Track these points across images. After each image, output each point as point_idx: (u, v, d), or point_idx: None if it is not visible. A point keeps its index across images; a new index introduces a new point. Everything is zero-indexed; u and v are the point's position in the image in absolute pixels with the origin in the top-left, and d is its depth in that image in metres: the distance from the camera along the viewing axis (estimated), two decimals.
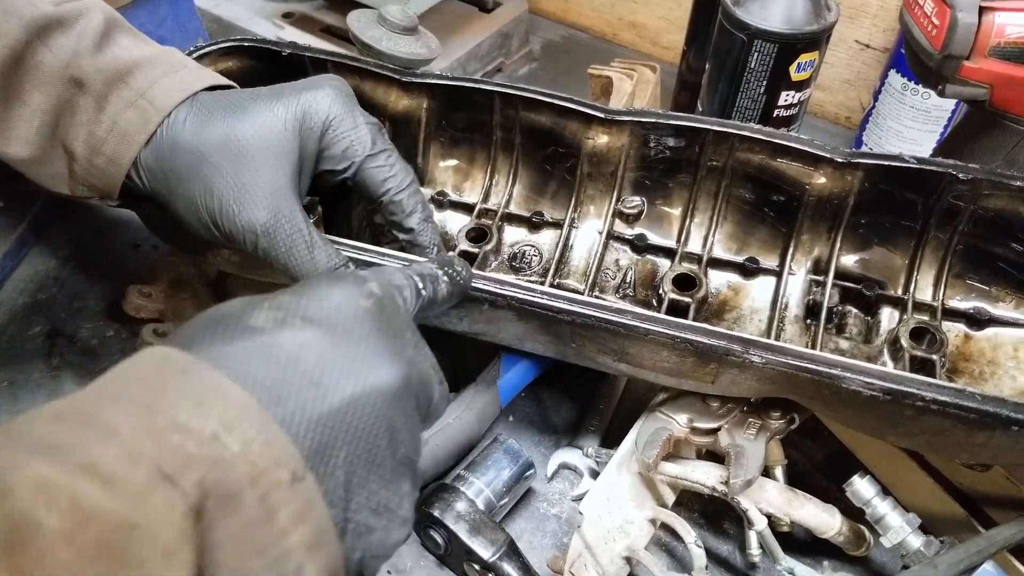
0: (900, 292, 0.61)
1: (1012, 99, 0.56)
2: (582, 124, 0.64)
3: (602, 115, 0.63)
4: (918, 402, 0.45)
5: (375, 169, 0.55)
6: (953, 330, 0.59)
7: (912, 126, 0.81)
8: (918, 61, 0.56)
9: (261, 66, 0.69)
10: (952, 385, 0.45)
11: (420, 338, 0.40)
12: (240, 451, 0.28)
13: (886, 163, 0.58)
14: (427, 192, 0.71)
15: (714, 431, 0.55)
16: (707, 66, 0.76)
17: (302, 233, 0.51)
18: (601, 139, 0.64)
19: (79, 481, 0.25)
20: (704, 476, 0.53)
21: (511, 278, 0.54)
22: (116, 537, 0.25)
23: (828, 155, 0.58)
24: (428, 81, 0.66)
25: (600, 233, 0.66)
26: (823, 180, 0.60)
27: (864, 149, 0.86)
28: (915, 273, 0.61)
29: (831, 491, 0.59)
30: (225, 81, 0.56)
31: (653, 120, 0.62)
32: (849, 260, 0.62)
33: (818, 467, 0.61)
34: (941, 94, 0.55)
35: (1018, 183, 0.55)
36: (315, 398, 0.32)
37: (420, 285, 0.43)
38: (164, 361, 0.31)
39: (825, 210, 0.61)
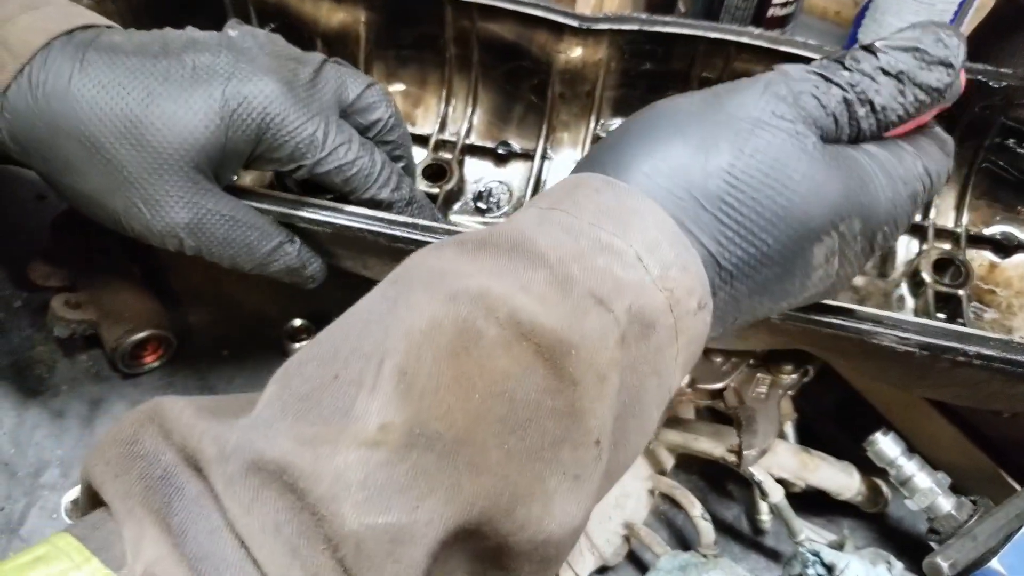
0: (919, 218, 0.54)
1: None
2: (552, 36, 0.54)
3: (576, 24, 0.53)
4: (959, 357, 0.39)
5: (333, 170, 0.44)
6: (977, 259, 0.53)
7: (914, 19, 0.72)
8: None
9: None
10: (999, 336, 0.39)
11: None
12: (659, 275, 0.28)
13: None
14: None
15: (720, 391, 0.48)
16: None
17: (236, 221, 0.43)
18: (575, 52, 0.55)
19: (516, 296, 0.26)
20: (711, 445, 0.47)
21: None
22: (553, 354, 0.26)
23: None
24: None
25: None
26: None
27: None
28: (934, 195, 0.54)
29: (844, 442, 0.54)
30: (103, 20, 0.44)
31: (637, 28, 0.52)
32: None
33: (829, 415, 0.55)
34: None
35: None
36: (750, 239, 0.30)
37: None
38: (576, 183, 0.31)
39: None
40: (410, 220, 0.45)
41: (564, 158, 0.58)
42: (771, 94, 0.32)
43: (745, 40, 0.51)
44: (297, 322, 0.59)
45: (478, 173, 0.60)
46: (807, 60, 0.49)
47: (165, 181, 0.41)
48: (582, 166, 0.33)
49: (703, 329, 0.30)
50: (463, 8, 0.55)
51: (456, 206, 0.58)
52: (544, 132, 0.58)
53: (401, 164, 0.49)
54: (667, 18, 0.52)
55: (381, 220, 0.45)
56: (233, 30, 0.46)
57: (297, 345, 0.57)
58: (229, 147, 0.42)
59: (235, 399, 0.35)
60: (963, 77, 0.34)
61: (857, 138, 0.33)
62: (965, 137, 0.52)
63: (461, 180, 0.58)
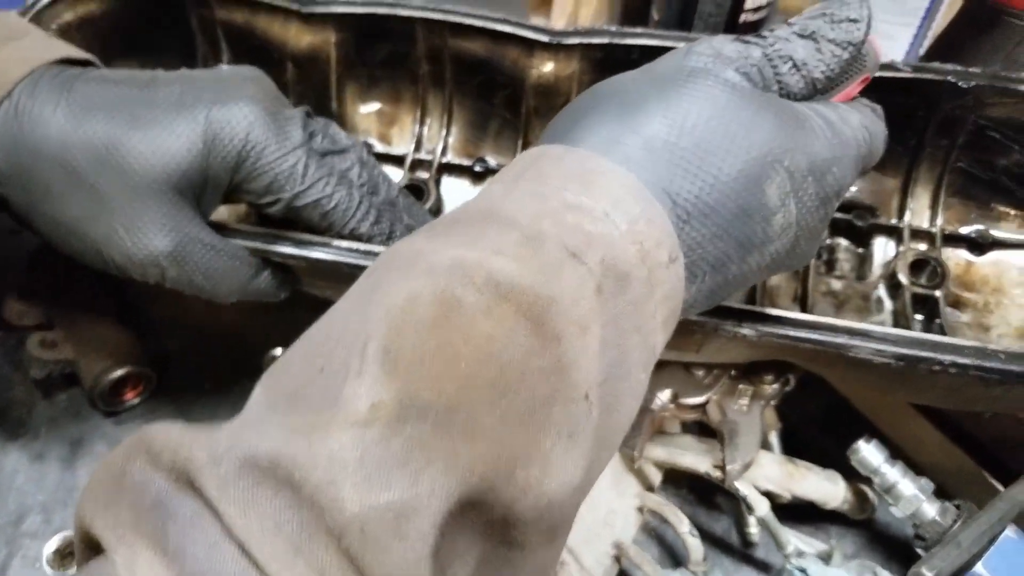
0: (895, 219, 0.54)
1: None
2: (523, 51, 0.54)
3: (546, 39, 0.52)
4: (935, 366, 0.39)
5: (310, 206, 0.44)
6: (953, 257, 0.53)
7: (886, 19, 0.72)
8: None
9: (129, 7, 0.57)
10: (972, 344, 0.39)
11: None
12: (627, 229, 0.29)
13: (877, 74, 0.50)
14: None
15: (702, 405, 0.48)
16: None
17: (217, 250, 0.43)
18: (547, 67, 0.54)
19: (491, 259, 0.27)
20: (695, 461, 0.47)
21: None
22: (533, 311, 0.26)
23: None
24: (333, 11, 0.55)
25: None
26: None
27: None
28: (909, 196, 0.54)
29: (830, 448, 0.54)
30: (83, 54, 0.44)
31: (607, 41, 0.52)
32: None
33: (814, 421, 0.56)
34: None
35: None
36: (699, 174, 0.31)
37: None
38: (538, 154, 0.32)
39: None
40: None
41: None
42: (694, 51, 0.34)
43: None
44: (278, 351, 0.58)
45: (456, 192, 0.59)
46: None
47: (147, 206, 0.41)
48: (544, 138, 0.34)
49: (678, 283, 0.31)
50: (434, 26, 0.55)
51: None
52: (520, 147, 0.57)
53: (379, 198, 0.48)
54: (638, 30, 0.52)
55: (358, 252, 0.45)
56: (224, 67, 0.46)
57: None
58: (210, 174, 0.42)
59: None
60: (877, 46, 0.36)
61: (787, 95, 0.35)
62: (937, 136, 0.52)
63: (439, 199, 0.58)
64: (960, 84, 0.48)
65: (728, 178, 0.31)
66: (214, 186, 0.43)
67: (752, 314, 0.41)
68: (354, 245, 0.45)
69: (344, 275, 0.45)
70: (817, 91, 0.35)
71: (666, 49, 0.51)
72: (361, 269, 0.44)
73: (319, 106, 0.60)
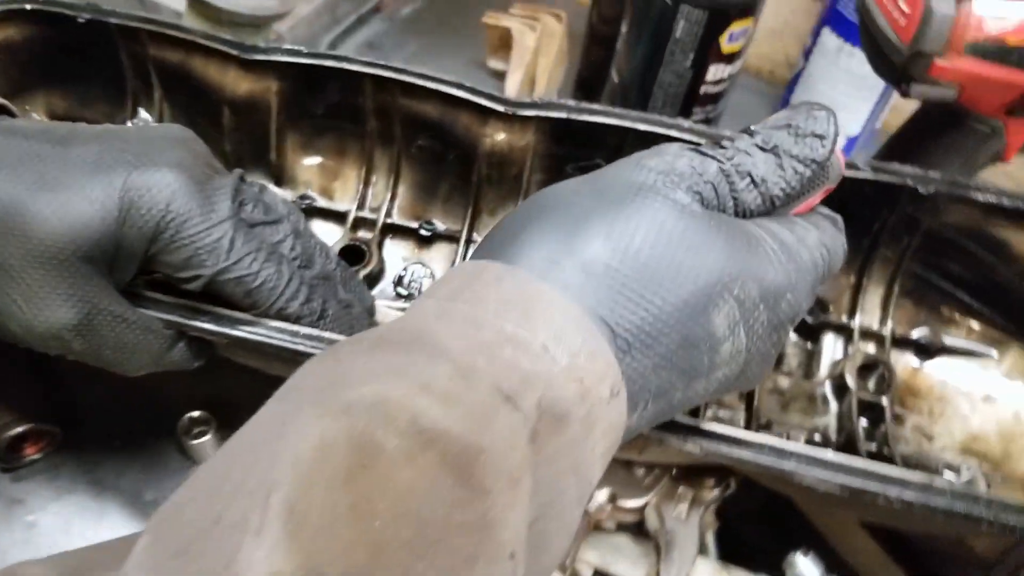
0: (845, 317, 0.53)
1: (981, 99, 0.47)
2: (477, 119, 0.51)
3: (501, 108, 0.50)
4: (880, 500, 0.38)
5: (233, 282, 0.40)
6: (901, 361, 0.53)
7: (847, 92, 0.72)
8: (878, 54, 0.46)
9: (53, 35, 0.52)
10: (920, 480, 0.38)
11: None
12: (567, 364, 0.27)
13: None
14: (287, 195, 0.57)
15: (640, 508, 0.47)
16: (624, 26, 0.64)
17: (129, 322, 0.40)
18: (500, 136, 0.52)
19: (417, 398, 0.24)
20: (630, 569, 0.45)
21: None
22: (460, 461, 0.24)
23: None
24: (275, 59, 0.51)
25: None
26: None
27: None
28: (861, 294, 0.53)
29: (768, 545, 0.52)
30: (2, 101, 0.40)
31: (564, 115, 0.50)
32: None
33: (753, 517, 0.54)
34: (905, 94, 0.46)
35: (984, 197, 0.47)
36: (641, 302, 0.29)
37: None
38: (476, 272, 0.29)
39: None
40: (316, 333, 0.42)
41: None
42: (644, 165, 0.32)
43: (674, 133, 0.49)
44: (195, 414, 0.54)
45: (399, 254, 0.56)
46: None
47: (50, 276, 0.37)
48: (478, 253, 0.32)
49: (619, 417, 0.29)
50: (383, 84, 0.51)
51: (374, 290, 0.55)
52: (469, 214, 0.55)
53: (313, 272, 0.45)
54: (595, 106, 0.50)
55: (286, 333, 0.41)
56: (149, 116, 0.42)
57: (195, 442, 0.53)
58: (124, 243, 0.38)
59: (104, 549, 0.32)
60: (841, 157, 0.35)
61: (743, 213, 0.33)
62: (892, 238, 0.51)
63: (381, 262, 0.55)
64: (920, 189, 0.48)
65: (672, 308, 0.29)
66: (128, 256, 0.39)
67: (698, 430, 0.39)
68: (282, 326, 0.42)
69: (269, 354, 0.42)
70: (775, 207, 0.34)
71: (625, 131, 0.49)
72: (287, 351, 0.42)
73: (257, 154, 0.56)
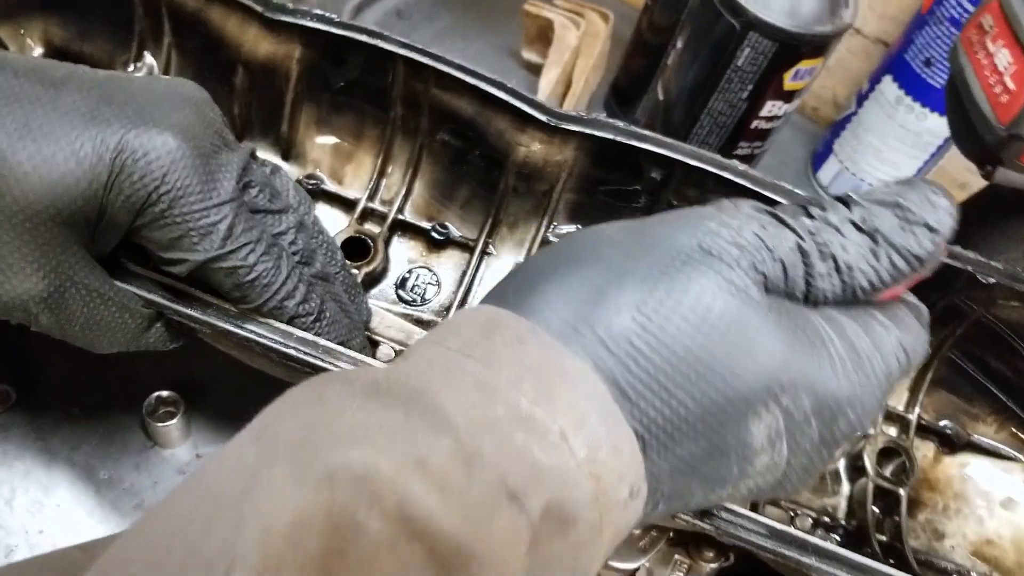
0: None
1: None
2: (514, 124, 0.47)
3: (543, 118, 0.45)
4: None
5: (223, 272, 0.36)
6: (922, 448, 0.50)
7: (896, 147, 0.68)
8: (966, 127, 0.42)
9: None
10: None
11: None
12: (585, 458, 0.23)
13: None
14: (294, 172, 0.52)
15: (632, 572, 0.43)
16: (679, 41, 0.59)
17: (104, 298, 0.36)
18: (536, 147, 0.48)
19: (409, 478, 0.21)
20: None
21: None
22: (449, 563, 0.21)
23: None
24: (302, 23, 0.46)
25: None
26: None
27: (837, 163, 0.73)
28: None
29: None
30: None
31: (611, 136, 0.45)
32: None
33: None
34: (987, 177, 0.42)
35: None
36: (665, 397, 0.25)
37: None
38: (493, 324, 0.25)
39: None
40: (310, 338, 0.38)
41: (506, 256, 0.51)
42: (703, 226, 0.27)
43: (726, 175, 0.45)
44: (164, 394, 0.50)
45: (406, 255, 0.52)
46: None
47: (22, 238, 0.32)
48: (497, 296, 0.28)
49: (632, 519, 0.26)
50: (417, 69, 0.47)
51: (374, 291, 0.51)
52: (488, 225, 0.50)
53: (313, 269, 0.41)
54: (646, 132, 0.45)
55: (277, 333, 0.38)
56: (154, 62, 0.38)
57: (160, 425, 0.49)
58: (110, 211, 0.33)
59: (44, 563, 0.28)
60: (944, 247, 0.29)
61: (815, 300, 0.28)
62: (938, 322, 0.48)
63: (385, 260, 0.51)
64: (980, 277, 0.44)
65: (702, 411, 0.25)
66: (111, 225, 0.34)
67: (710, 513, 0.36)
68: (276, 325, 0.38)
69: (255, 351, 0.38)
70: (854, 299, 0.29)
71: (672, 163, 0.45)
72: (277, 353, 0.37)
73: (267, 123, 0.51)
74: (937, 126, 0.65)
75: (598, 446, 0.23)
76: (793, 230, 0.27)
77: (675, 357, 0.25)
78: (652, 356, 0.25)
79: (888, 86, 0.67)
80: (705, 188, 0.46)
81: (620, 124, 0.46)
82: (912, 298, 0.32)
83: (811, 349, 0.27)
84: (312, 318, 0.39)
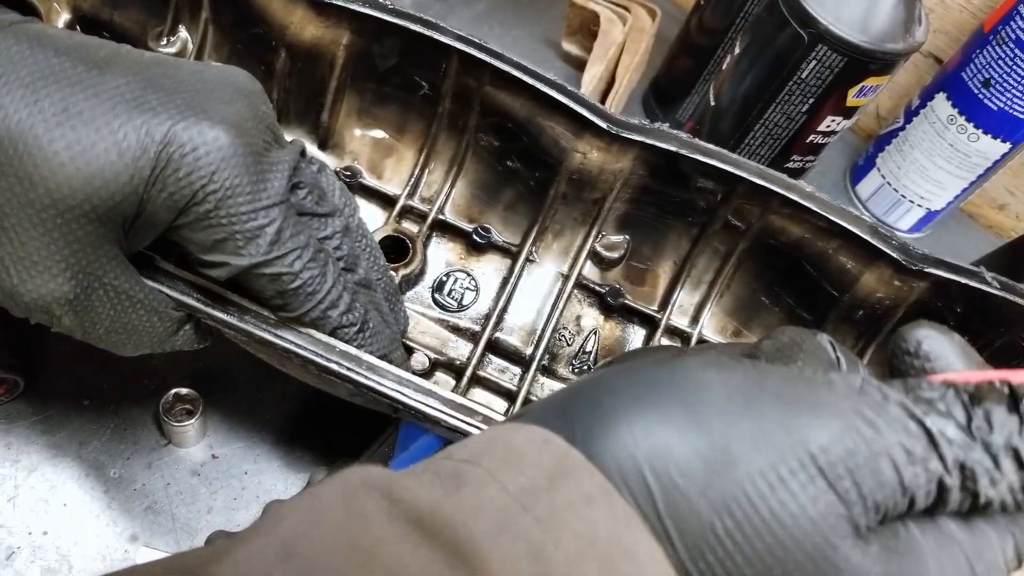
0: None
1: None
2: (571, 129, 0.44)
3: (603, 125, 0.43)
4: None
5: (266, 279, 0.33)
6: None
7: (943, 166, 0.66)
8: None
9: None
10: None
11: None
12: None
13: (963, 281, 0.43)
14: (331, 162, 0.50)
15: None
16: (737, 47, 0.56)
17: (133, 301, 0.33)
18: (593, 155, 0.45)
19: None
20: None
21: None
22: None
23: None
24: (352, 7, 0.43)
25: (564, 277, 0.48)
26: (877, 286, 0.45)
27: (879, 178, 0.71)
28: None
29: None
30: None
31: (674, 149, 0.43)
32: None
33: None
34: None
35: None
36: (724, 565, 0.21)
37: None
38: (562, 472, 0.21)
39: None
40: (353, 352, 0.35)
41: (549, 265, 0.49)
42: (848, 423, 0.21)
43: (793, 196, 0.43)
44: (183, 391, 0.47)
45: (444, 257, 0.49)
46: (864, 242, 0.42)
47: (51, 236, 0.30)
48: (562, 407, 0.24)
49: None
50: (472, 65, 0.44)
51: (410, 293, 0.48)
52: (534, 233, 0.48)
53: (357, 276, 0.38)
54: (710, 146, 0.43)
55: (319, 345, 0.35)
56: (188, 37, 0.35)
57: (176, 425, 0.46)
58: (149, 208, 0.31)
59: None
60: None
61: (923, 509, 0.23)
62: (993, 359, 0.46)
63: (424, 262, 0.48)
64: None
65: None
66: (149, 223, 0.32)
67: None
68: (318, 337, 0.36)
69: (295, 361, 0.36)
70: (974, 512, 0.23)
71: (735, 180, 0.42)
72: (316, 365, 0.35)
73: (305, 110, 0.48)
74: (988, 148, 0.63)
75: None
76: (942, 459, 0.22)
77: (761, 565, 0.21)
78: (736, 555, 0.21)
79: (941, 104, 0.64)
80: (768, 208, 0.44)
81: (684, 136, 0.43)
82: None
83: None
84: (355, 329, 0.37)
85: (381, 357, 0.37)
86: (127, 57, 0.32)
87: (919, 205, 0.70)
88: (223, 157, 0.30)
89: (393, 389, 0.35)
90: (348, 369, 0.35)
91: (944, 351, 0.24)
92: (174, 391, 0.47)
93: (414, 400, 0.35)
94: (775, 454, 0.21)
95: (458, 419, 0.35)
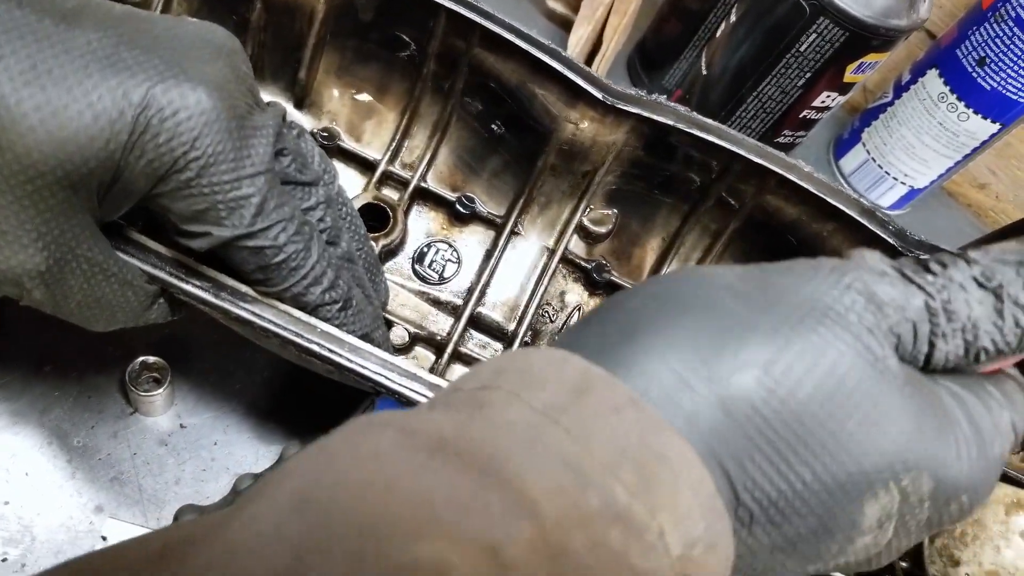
0: None
1: None
2: (564, 97, 0.42)
3: (598, 94, 0.41)
4: None
5: (247, 252, 0.31)
6: None
7: (930, 145, 0.65)
8: None
9: None
10: None
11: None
12: (680, 556, 0.20)
13: None
14: (308, 123, 0.47)
15: None
16: (733, 14, 0.54)
17: (107, 274, 0.31)
18: (585, 124, 0.43)
19: (481, 565, 0.17)
20: None
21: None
22: None
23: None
24: None
25: (550, 251, 0.47)
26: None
27: (864, 152, 0.70)
28: None
29: None
30: None
31: (672, 123, 0.41)
32: None
33: None
34: None
35: None
36: (785, 471, 0.22)
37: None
38: (585, 386, 0.21)
39: None
40: (336, 333, 0.34)
41: (534, 238, 0.47)
42: (841, 282, 0.24)
43: (792, 177, 0.42)
44: (150, 359, 0.45)
45: (425, 227, 0.48)
46: (860, 225, 0.41)
47: (21, 204, 0.27)
48: (581, 342, 0.24)
49: None
50: (461, 24, 0.41)
51: (389, 263, 0.46)
52: (520, 203, 0.46)
53: (339, 250, 0.36)
54: (708, 121, 0.42)
55: (298, 324, 0.33)
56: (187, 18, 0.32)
57: (143, 395, 0.44)
58: (126, 175, 0.28)
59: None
60: None
61: (934, 367, 0.26)
62: None
63: (404, 232, 0.46)
64: None
65: (822, 487, 0.22)
66: (125, 191, 0.29)
67: None
68: (299, 316, 0.34)
69: (274, 340, 0.34)
70: (971, 364, 0.26)
71: (732, 156, 0.41)
72: (296, 345, 0.33)
73: (281, 66, 0.45)
74: (978, 128, 0.63)
75: (694, 543, 0.21)
76: (921, 288, 0.25)
77: (802, 428, 0.22)
78: (776, 424, 0.22)
79: (932, 80, 0.63)
80: (764, 187, 0.43)
81: (681, 109, 0.42)
82: (1016, 374, 0.30)
83: (940, 429, 0.24)
84: (338, 307, 0.35)
85: (363, 336, 0.36)
86: (97, 9, 0.29)
87: (902, 183, 0.69)
88: (206, 122, 0.28)
89: (377, 373, 0.33)
90: (330, 351, 0.33)
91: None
92: (141, 359, 0.45)
93: (398, 384, 0.33)
94: (791, 310, 0.23)
95: None
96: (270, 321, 0.33)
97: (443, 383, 0.34)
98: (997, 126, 0.62)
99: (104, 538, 0.43)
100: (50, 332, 0.47)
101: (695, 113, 0.42)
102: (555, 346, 0.24)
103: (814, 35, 0.48)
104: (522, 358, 0.23)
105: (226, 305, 0.33)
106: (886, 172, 0.69)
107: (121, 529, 0.44)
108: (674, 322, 0.23)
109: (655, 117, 0.41)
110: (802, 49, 0.49)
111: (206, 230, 0.30)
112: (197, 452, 0.46)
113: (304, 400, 0.48)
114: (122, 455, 0.45)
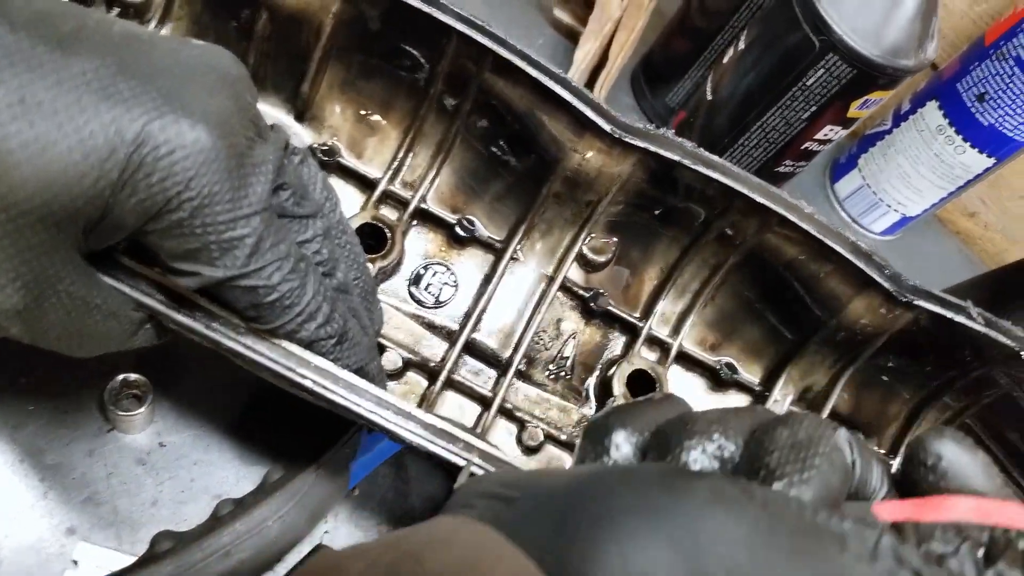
0: (884, 451, 0.49)
1: None
2: (572, 127, 0.41)
3: (607, 127, 0.40)
4: None
5: (241, 292, 0.30)
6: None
7: (926, 174, 0.66)
8: None
9: None
10: None
11: None
12: None
13: (949, 315, 0.42)
14: (308, 137, 0.45)
15: None
16: (742, 41, 0.54)
17: (89, 307, 0.30)
18: (590, 155, 0.42)
19: None
20: None
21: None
22: None
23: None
24: None
25: (549, 279, 0.46)
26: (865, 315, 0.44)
27: (859, 178, 0.70)
28: (911, 428, 0.49)
29: None
30: None
31: (678, 159, 0.41)
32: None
33: None
34: None
35: None
36: None
37: None
38: None
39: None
40: (330, 369, 0.33)
41: (533, 264, 0.46)
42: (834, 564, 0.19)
43: (793, 217, 0.41)
44: (131, 376, 0.44)
45: (422, 248, 0.46)
46: (857, 269, 0.41)
47: (1, 244, 0.26)
48: (558, 534, 0.20)
49: None
50: (472, 48, 0.40)
51: (384, 284, 0.45)
52: (521, 230, 0.45)
53: (335, 281, 0.35)
54: (714, 158, 0.41)
55: (292, 358, 0.33)
56: (192, 40, 0.30)
57: (122, 414, 0.43)
58: (115, 212, 0.27)
59: None
60: None
61: None
62: (963, 391, 0.47)
63: (401, 254, 0.45)
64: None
65: None
66: (113, 228, 0.28)
67: None
68: (292, 350, 0.33)
69: (265, 372, 0.33)
70: None
71: (735, 194, 0.40)
72: (287, 380, 0.32)
73: (284, 77, 0.44)
74: (973, 161, 0.63)
75: None
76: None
77: None
78: None
79: (932, 112, 0.63)
80: (766, 225, 0.43)
81: (688, 145, 0.41)
82: None
83: None
84: (333, 342, 0.34)
85: (357, 370, 0.35)
86: (95, 32, 0.27)
87: (895, 210, 0.69)
88: (203, 161, 0.27)
89: (371, 412, 0.32)
90: (324, 388, 0.32)
91: (962, 468, 0.23)
92: (122, 377, 0.43)
93: (393, 424, 0.32)
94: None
95: (439, 446, 0.33)
96: (262, 354, 0.32)
97: (438, 423, 0.33)
98: (992, 160, 0.62)
99: (75, 562, 0.41)
100: (28, 347, 0.45)
101: (702, 149, 0.41)
102: (530, 521, 0.21)
103: (822, 71, 0.48)
104: (475, 553, 0.20)
105: (218, 337, 0.32)
106: (880, 199, 0.69)
107: (93, 553, 0.42)
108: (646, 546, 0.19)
109: (662, 152, 0.40)
110: (809, 83, 0.49)
111: (197, 270, 0.29)
112: (176, 472, 0.45)
113: (289, 420, 0.47)
114: (97, 474, 0.44)
